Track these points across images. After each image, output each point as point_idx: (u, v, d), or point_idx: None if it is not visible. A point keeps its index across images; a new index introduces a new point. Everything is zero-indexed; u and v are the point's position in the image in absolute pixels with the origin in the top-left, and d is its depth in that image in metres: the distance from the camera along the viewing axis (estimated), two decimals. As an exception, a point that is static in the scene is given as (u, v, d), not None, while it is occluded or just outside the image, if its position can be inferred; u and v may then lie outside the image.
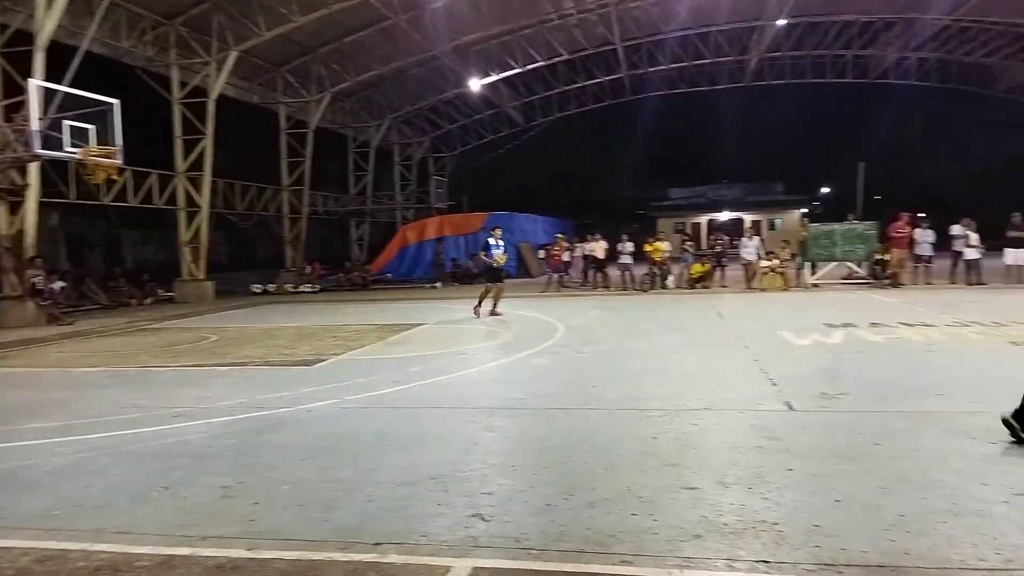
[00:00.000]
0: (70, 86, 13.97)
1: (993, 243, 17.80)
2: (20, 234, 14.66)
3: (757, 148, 57.32)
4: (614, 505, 3.77)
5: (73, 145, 12.93)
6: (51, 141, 12.73)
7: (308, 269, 25.53)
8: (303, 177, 26.80)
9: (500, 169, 49.98)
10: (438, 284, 24.13)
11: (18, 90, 13.66)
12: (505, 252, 14.61)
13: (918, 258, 17.94)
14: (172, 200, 20.69)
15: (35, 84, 12.80)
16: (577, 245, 21.33)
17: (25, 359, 10.48)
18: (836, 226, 18.58)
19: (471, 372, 8.02)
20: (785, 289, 17.56)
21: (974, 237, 17.16)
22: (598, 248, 19.97)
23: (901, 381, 6.71)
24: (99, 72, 17.40)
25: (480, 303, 13.76)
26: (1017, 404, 4.63)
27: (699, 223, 45.19)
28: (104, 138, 13.40)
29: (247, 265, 29.28)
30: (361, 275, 25.76)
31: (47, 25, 13.89)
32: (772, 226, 43.12)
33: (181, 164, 20.63)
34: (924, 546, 3.15)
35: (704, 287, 18.92)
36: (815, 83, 34.01)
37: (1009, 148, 51.49)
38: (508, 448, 5.03)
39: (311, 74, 25.07)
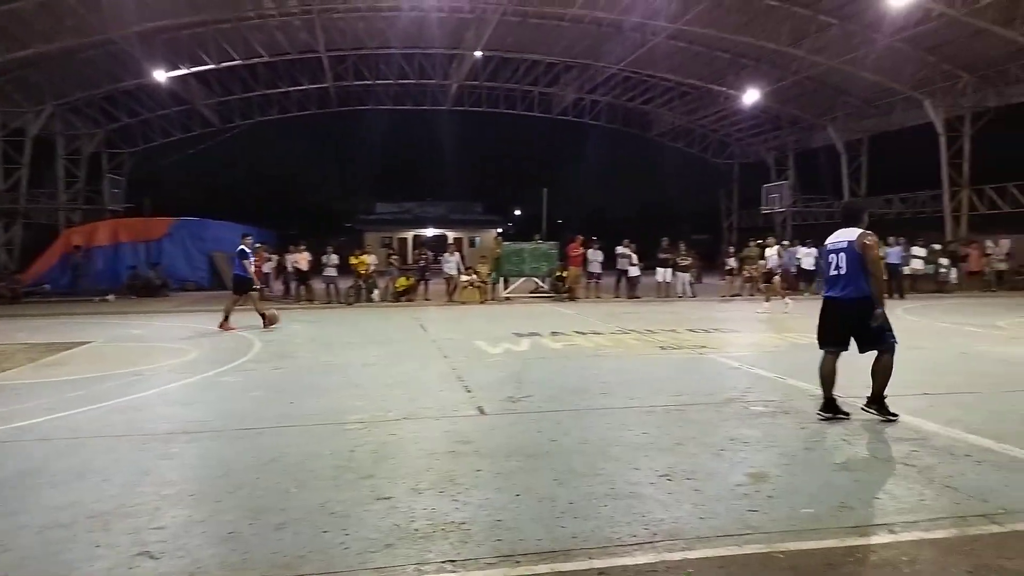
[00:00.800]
0: None
1: (648, 263, 21.07)
2: None
3: (460, 170, 60.65)
4: (305, 524, 3.61)
5: None
6: None
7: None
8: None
9: (192, 172, 45.89)
10: (110, 297, 21.13)
11: None
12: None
13: (590, 275, 20.40)
14: None
15: None
16: (271, 257, 20.39)
17: None
18: (525, 245, 20.33)
19: (148, 394, 7.13)
20: (482, 302, 18.73)
21: (634, 257, 20.13)
22: (302, 260, 19.31)
23: (575, 382, 7.51)
24: None
25: (227, 317, 12.91)
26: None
27: (405, 238, 46.25)
28: None
29: None
30: (9, 286, 21.57)
31: None
32: (472, 243, 45.81)
33: None
34: (589, 529, 3.52)
35: (409, 300, 19.34)
36: (509, 113, 37.02)
37: (661, 183, 61.36)
38: (187, 476, 4.55)
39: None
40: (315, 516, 3.73)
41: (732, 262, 21.43)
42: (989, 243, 22.54)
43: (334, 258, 19.35)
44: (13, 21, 20.56)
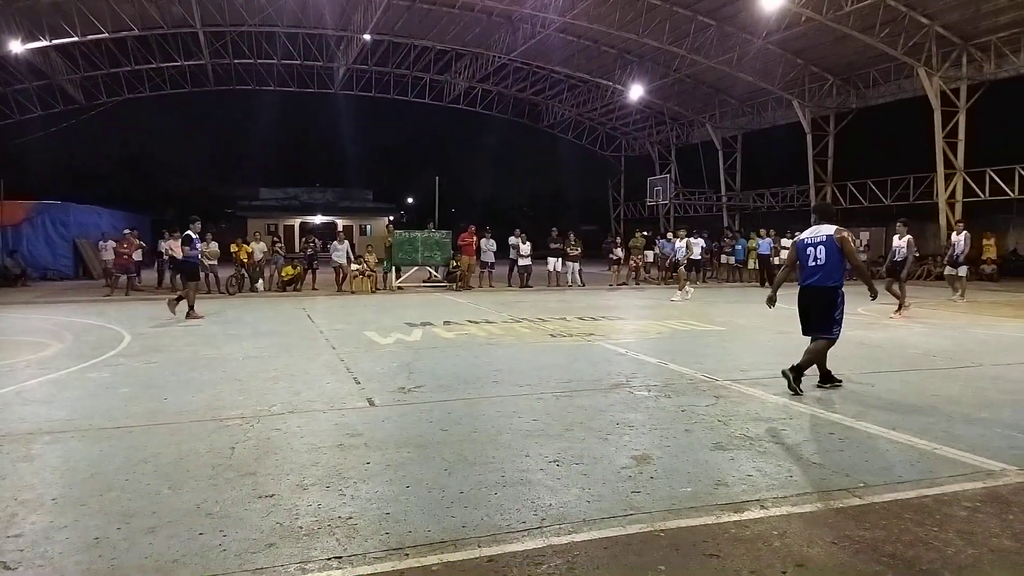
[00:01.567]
0: None
1: (539, 252, 21.37)
2: None
3: (350, 156, 59.20)
4: (179, 526, 3.41)
5: None
6: None
7: None
8: None
9: (55, 152, 42.38)
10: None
11: None
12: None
13: (483, 264, 20.47)
14: None
15: None
16: (143, 244, 19.19)
17: None
18: (418, 234, 20.11)
19: (4, 392, 6.52)
20: (373, 292, 18.38)
21: (526, 247, 20.36)
22: (177, 247, 18.17)
23: (467, 372, 7.51)
24: None
25: (178, 301, 12.54)
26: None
27: (292, 225, 44.65)
28: None
29: None
30: None
31: None
32: (363, 231, 44.87)
33: None
34: (479, 517, 3.52)
35: (295, 290, 18.70)
36: (401, 100, 36.44)
37: (553, 174, 62.27)
38: (49, 479, 4.19)
39: None
40: (191, 518, 3.53)
41: (619, 252, 22.11)
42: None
43: (214, 246, 18.36)
44: None
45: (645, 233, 25.92)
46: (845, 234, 6.32)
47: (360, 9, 25.86)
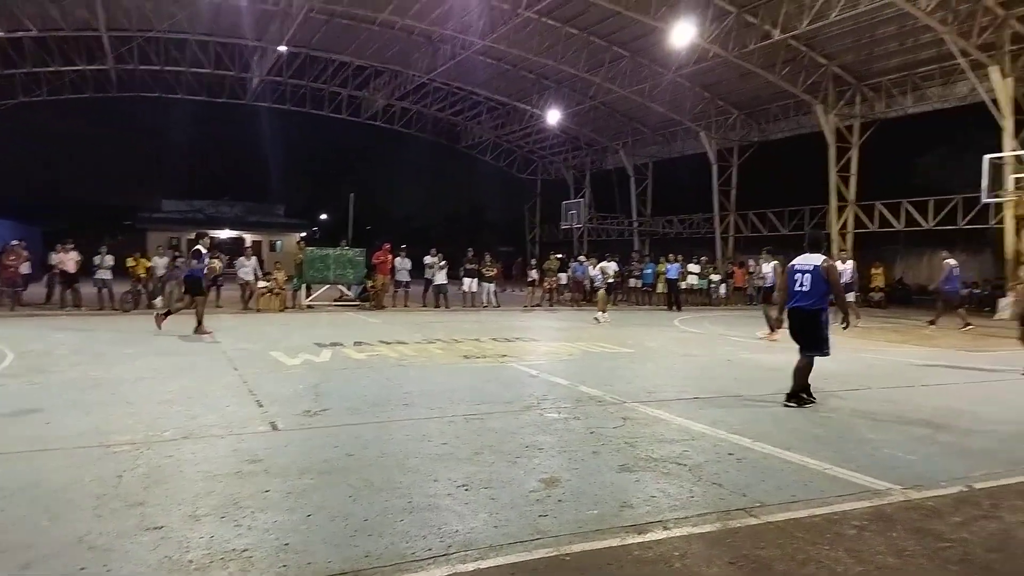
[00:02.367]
0: None
1: (455, 272, 21.32)
2: None
3: (261, 170, 57.45)
4: (57, 561, 3.16)
5: None
6: None
7: None
8: None
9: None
10: None
11: None
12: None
13: (398, 283, 20.21)
14: None
15: None
16: (30, 257, 17.96)
17: None
18: (330, 251, 19.68)
19: None
20: (282, 310, 17.81)
21: (442, 266, 20.24)
22: (69, 260, 17.10)
23: (377, 394, 7.35)
24: None
25: (166, 316, 12.62)
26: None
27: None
28: None
29: None
30: None
31: None
32: (273, 247, 43.57)
33: None
34: (383, 546, 3.43)
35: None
36: (316, 114, 35.78)
37: (469, 194, 62.59)
38: (-99, 516, 3.80)
39: None
40: (71, 551, 3.28)
41: (534, 274, 22.34)
42: (751, 262, 25.60)
43: (108, 259, 17.36)
44: None
45: (559, 256, 26.33)
46: (830, 264, 6.96)
47: (277, 20, 25.30)
